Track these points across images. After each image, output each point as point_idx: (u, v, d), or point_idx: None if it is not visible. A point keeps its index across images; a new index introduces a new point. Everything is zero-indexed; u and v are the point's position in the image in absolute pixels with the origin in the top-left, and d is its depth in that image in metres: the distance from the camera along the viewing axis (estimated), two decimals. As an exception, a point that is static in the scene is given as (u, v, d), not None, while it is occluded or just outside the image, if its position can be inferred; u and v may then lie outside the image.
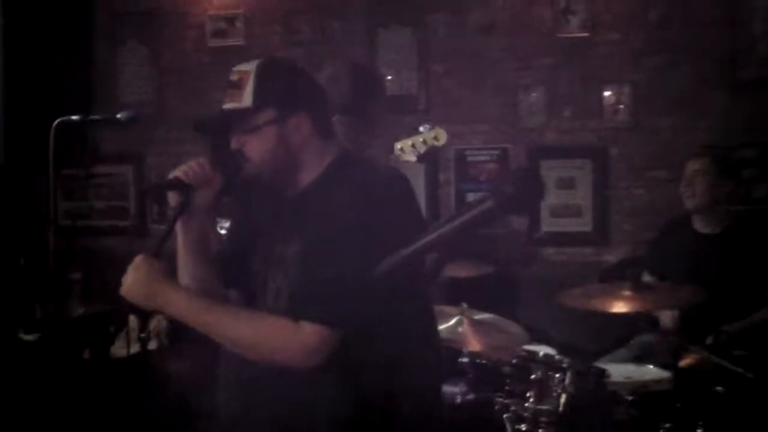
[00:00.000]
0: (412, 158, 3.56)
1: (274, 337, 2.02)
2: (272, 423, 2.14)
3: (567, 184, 5.31)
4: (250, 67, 2.12)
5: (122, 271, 2.08)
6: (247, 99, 2.09)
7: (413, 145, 3.57)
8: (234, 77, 2.13)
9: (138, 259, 2.05)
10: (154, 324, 4.94)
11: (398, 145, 3.57)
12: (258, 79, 2.09)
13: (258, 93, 2.08)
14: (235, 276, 2.25)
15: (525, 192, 1.40)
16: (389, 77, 5.53)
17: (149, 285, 2.02)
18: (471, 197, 5.52)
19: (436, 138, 3.61)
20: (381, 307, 1.76)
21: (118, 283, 2.06)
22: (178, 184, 2.12)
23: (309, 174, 2.16)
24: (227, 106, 2.13)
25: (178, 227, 2.18)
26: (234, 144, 2.14)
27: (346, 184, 2.10)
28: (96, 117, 3.70)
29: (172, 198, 2.13)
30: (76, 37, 6.03)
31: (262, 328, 2.04)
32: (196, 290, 2.17)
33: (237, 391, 2.22)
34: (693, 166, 4.22)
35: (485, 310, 4.14)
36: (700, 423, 3.33)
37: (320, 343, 1.98)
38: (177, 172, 2.12)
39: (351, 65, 3.01)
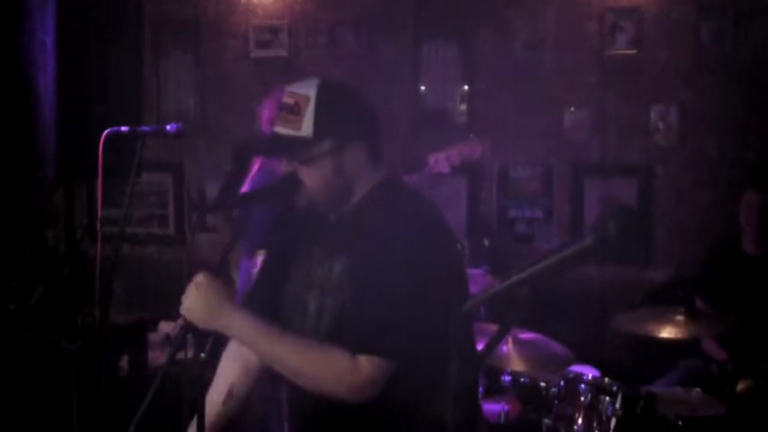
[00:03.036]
0: (446, 169, 3.53)
1: (331, 370, 1.98)
2: None
3: (612, 202, 5.25)
4: (307, 91, 2.06)
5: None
6: (306, 128, 2.03)
7: (447, 157, 3.54)
8: (290, 100, 2.06)
9: (200, 279, 2.01)
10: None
11: (432, 158, 3.55)
12: (318, 108, 2.03)
13: (318, 123, 2.03)
14: (272, 303, 2.22)
15: (626, 235, 1.31)
16: (426, 89, 5.51)
17: (211, 305, 1.99)
18: (512, 213, 5.48)
19: (471, 150, 3.58)
20: (459, 344, 1.73)
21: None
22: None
23: (355, 197, 2.13)
24: (281, 130, 2.07)
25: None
26: (286, 167, 2.10)
27: (393, 206, 2.07)
28: (145, 128, 3.69)
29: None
30: (125, 48, 6.06)
31: (319, 361, 2.00)
32: None
33: (292, 412, 2.20)
34: (754, 200, 4.15)
35: (529, 328, 4.10)
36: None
37: (377, 378, 1.95)
38: None
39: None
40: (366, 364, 1.94)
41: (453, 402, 1.67)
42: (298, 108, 2.04)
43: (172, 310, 2.09)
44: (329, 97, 2.06)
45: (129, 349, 4.92)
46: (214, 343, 2.05)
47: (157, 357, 5.20)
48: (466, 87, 5.50)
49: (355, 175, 2.10)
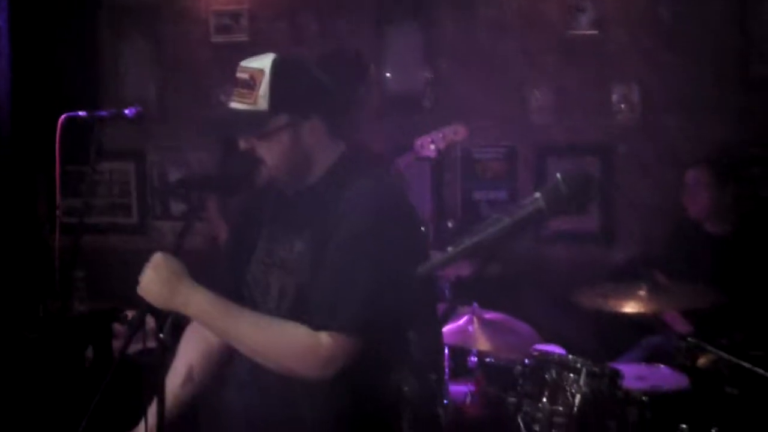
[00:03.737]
0: (432, 154, 3.56)
1: (293, 348, 1.97)
2: (282, 422, 2.10)
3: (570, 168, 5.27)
4: (262, 65, 2.02)
5: (124, 268, 2.03)
6: (261, 102, 2.00)
7: (433, 141, 3.56)
8: (244, 75, 2.03)
9: (157, 258, 1.99)
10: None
11: (417, 142, 3.57)
12: (273, 81, 2.00)
13: (274, 97, 2.00)
14: (236, 277, 2.20)
15: (577, 195, 1.36)
16: (391, 75, 5.49)
17: (169, 284, 1.97)
18: (477, 195, 5.48)
19: (455, 133, 3.61)
20: (415, 312, 1.72)
21: (120, 281, 2.00)
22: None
23: (314, 174, 2.11)
24: (237, 105, 2.04)
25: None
26: (244, 144, 2.07)
27: (353, 183, 2.05)
28: (102, 113, 3.64)
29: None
30: (81, 32, 5.98)
31: (281, 338, 1.98)
32: None
33: (241, 390, 2.18)
34: (692, 176, 4.20)
35: (494, 309, 4.11)
36: (715, 424, 3.31)
37: (339, 354, 1.94)
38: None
39: (336, 51, 2.98)
40: (328, 341, 1.93)
41: (413, 373, 1.66)
42: (252, 82, 2.01)
43: (136, 300, 2.05)
44: (285, 70, 2.03)
45: (93, 339, 4.88)
46: (175, 325, 2.02)
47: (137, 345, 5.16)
48: (427, 74, 5.47)
49: (314, 149, 2.08)
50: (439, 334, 2.22)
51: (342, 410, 2.01)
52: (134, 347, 4.70)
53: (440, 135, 3.58)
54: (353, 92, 2.92)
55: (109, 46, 6.06)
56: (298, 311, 2.02)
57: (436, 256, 1.48)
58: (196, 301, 1.97)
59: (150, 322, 2.04)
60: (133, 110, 3.57)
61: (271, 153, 2.04)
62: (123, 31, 6.03)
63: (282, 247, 2.11)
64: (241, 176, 2.10)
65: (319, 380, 1.97)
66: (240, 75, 2.04)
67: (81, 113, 3.58)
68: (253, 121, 2.02)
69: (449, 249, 1.46)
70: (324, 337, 1.93)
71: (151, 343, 5.05)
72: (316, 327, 1.94)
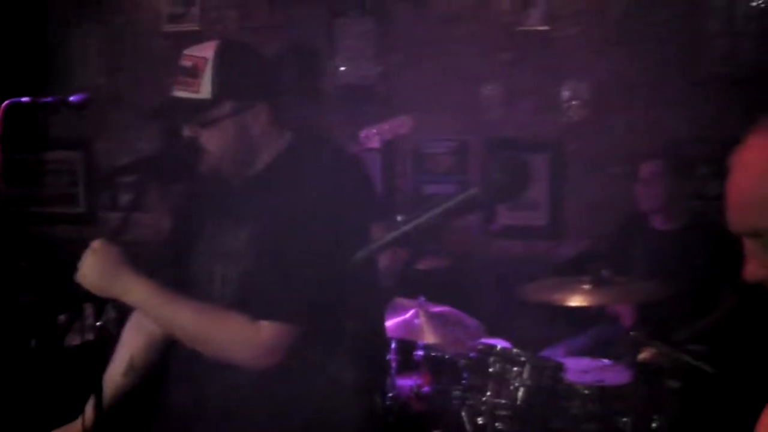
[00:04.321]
0: (377, 145, 3.56)
1: (232, 336, 1.96)
2: (219, 415, 2.09)
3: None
4: (205, 52, 2.00)
5: (72, 259, 2.00)
6: (204, 90, 1.98)
7: (378, 132, 3.56)
8: (187, 63, 2.01)
9: (96, 244, 1.97)
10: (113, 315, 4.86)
11: (363, 134, 3.56)
12: (216, 68, 1.98)
13: (216, 84, 1.98)
14: (179, 268, 2.18)
15: (511, 181, 1.37)
16: (345, 67, 5.48)
17: (108, 271, 1.95)
18: (428, 189, 5.48)
19: (401, 124, 3.62)
20: (343, 301, 1.71)
21: (68, 272, 1.98)
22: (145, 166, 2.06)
23: (260, 162, 2.09)
24: (181, 94, 2.02)
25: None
26: (188, 132, 2.05)
27: (298, 170, 2.03)
28: (47, 99, 3.58)
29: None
30: (31, 20, 5.89)
31: (221, 327, 1.97)
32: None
33: (187, 383, 2.16)
34: (647, 168, 4.24)
35: (441, 302, 4.12)
36: (655, 417, 3.35)
37: (279, 343, 1.93)
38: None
39: (293, 46, 2.97)
40: (268, 330, 1.92)
41: (351, 361, 1.66)
42: (195, 70, 1.99)
43: (79, 289, 2.02)
44: (228, 57, 2.01)
45: (38, 330, 4.82)
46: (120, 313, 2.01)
47: (75, 338, 5.10)
48: (379, 67, 5.47)
49: (258, 138, 2.06)
50: (379, 324, 2.22)
51: (278, 401, 2.00)
52: (74, 339, 4.66)
53: (386, 127, 3.59)
54: (305, 82, 2.90)
55: (59, 35, 5.98)
56: (242, 300, 2.00)
57: (373, 243, 1.47)
58: (135, 289, 1.96)
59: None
60: (79, 97, 3.51)
61: (214, 141, 2.02)
62: (73, 19, 5.95)
63: (227, 236, 2.09)
64: (181, 160, 2.08)
65: (258, 369, 1.96)
66: (184, 63, 2.02)
67: (24, 99, 3.51)
68: (196, 109, 2.00)
69: (386, 236, 1.47)
70: (264, 326, 1.92)
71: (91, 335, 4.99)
72: (257, 316, 1.93)
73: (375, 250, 1.47)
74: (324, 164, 2.09)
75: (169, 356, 2.23)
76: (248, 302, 1.97)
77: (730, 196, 1.27)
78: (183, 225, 2.26)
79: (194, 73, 1.98)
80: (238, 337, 1.95)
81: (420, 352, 3.96)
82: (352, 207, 2.05)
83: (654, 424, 3.36)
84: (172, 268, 2.19)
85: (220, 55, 2.00)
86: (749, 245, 1.28)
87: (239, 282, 2.04)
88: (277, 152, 2.10)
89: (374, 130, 3.57)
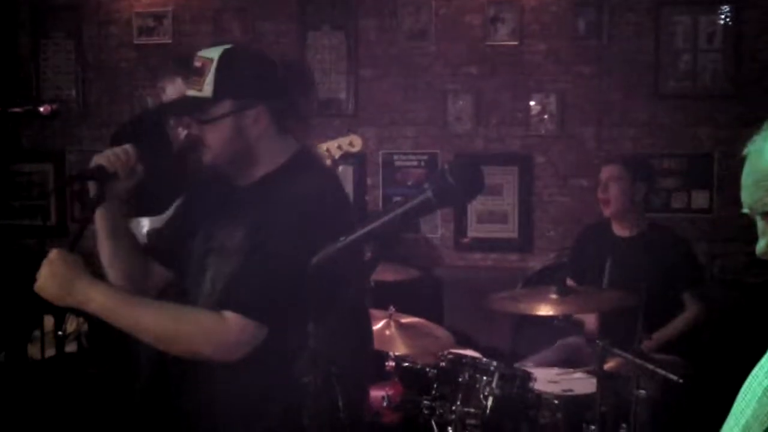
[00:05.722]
0: (327, 162, 3.57)
1: (196, 329, 2.00)
2: (192, 416, 2.11)
3: (493, 190, 5.35)
4: (213, 54, 2.10)
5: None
6: (207, 88, 2.08)
7: (328, 150, 3.58)
8: (197, 63, 2.11)
9: (53, 254, 1.97)
10: (74, 326, 4.84)
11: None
12: (219, 68, 2.07)
13: (218, 83, 2.07)
14: (172, 258, 2.24)
15: (464, 184, 1.42)
16: (317, 81, 5.52)
17: (65, 281, 1.95)
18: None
19: (351, 144, 3.63)
20: (312, 303, 1.74)
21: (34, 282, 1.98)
22: (101, 173, 2.07)
23: (264, 168, 2.16)
24: (189, 92, 2.13)
25: (97, 217, 2.14)
26: (193, 131, 2.14)
27: (297, 185, 2.09)
28: (16, 109, 3.56)
29: (92, 187, 2.09)
30: (1, 30, 5.88)
31: (184, 321, 2.01)
32: (122, 277, 2.13)
33: (157, 385, 2.19)
34: (607, 172, 4.30)
35: (412, 314, 4.15)
36: (623, 426, 3.39)
37: (241, 335, 1.97)
38: (100, 160, 2.08)
39: (280, 61, 3.00)
40: (233, 321, 1.96)
41: (310, 365, 1.68)
42: (202, 70, 2.09)
43: (54, 306, 2.04)
44: (231, 59, 2.10)
45: (7, 343, 4.80)
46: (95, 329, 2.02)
47: (37, 351, 5.07)
48: (350, 80, 5.52)
49: (258, 141, 2.13)
50: (344, 327, 2.22)
51: (240, 401, 2.03)
52: (48, 353, 4.63)
53: (336, 144, 3.61)
54: (302, 102, 2.94)
55: (30, 46, 5.97)
56: (227, 297, 2.04)
57: (330, 246, 1.51)
58: (95, 296, 1.96)
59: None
60: (49, 107, 3.50)
61: (214, 138, 2.10)
62: (45, 30, 5.95)
63: (224, 233, 2.14)
64: (149, 124, 2.15)
65: (224, 361, 1.99)
66: (195, 63, 2.12)
67: (-8, 109, 3.49)
68: (199, 105, 2.10)
69: (341, 239, 1.50)
70: (231, 318, 1.96)
71: (70, 348, 4.97)
72: (225, 307, 1.98)
73: (333, 252, 1.50)
74: (317, 182, 2.15)
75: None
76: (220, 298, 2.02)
77: (745, 178, 1.46)
78: (181, 217, 2.33)
79: (201, 72, 2.09)
80: (202, 329, 1.99)
81: (391, 363, 3.98)
82: (334, 224, 2.09)
83: (621, 432, 3.40)
84: (166, 257, 2.25)
85: (225, 57, 2.09)
86: (761, 224, 1.46)
87: (226, 280, 2.08)
88: (284, 160, 2.17)
89: (324, 147, 3.60)
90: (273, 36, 5.60)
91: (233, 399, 2.05)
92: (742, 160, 1.47)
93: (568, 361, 4.00)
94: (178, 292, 2.25)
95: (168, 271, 2.27)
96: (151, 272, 2.26)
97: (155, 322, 2.00)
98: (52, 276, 1.95)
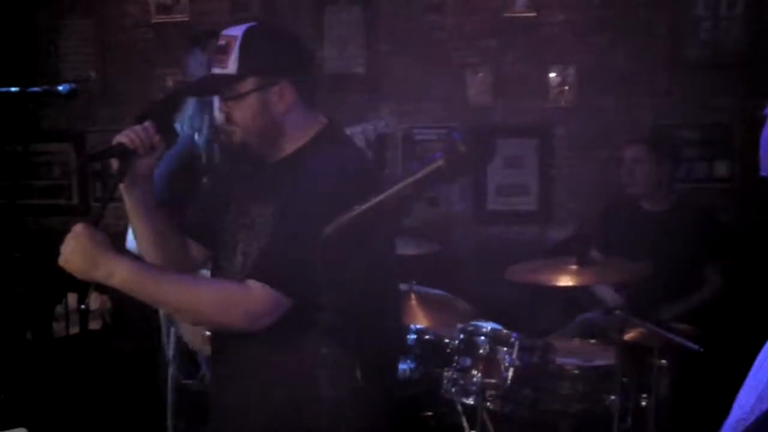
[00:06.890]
0: (362, 144, 3.60)
1: (220, 299, 2.03)
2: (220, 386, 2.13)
3: (514, 163, 5.34)
4: (237, 32, 2.13)
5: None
6: (231, 66, 2.10)
7: (363, 131, 3.60)
8: (222, 42, 2.14)
9: (77, 228, 1.99)
10: (98, 303, 4.89)
11: (348, 131, 3.59)
12: (243, 45, 2.10)
13: (242, 60, 2.10)
14: (206, 235, 2.27)
15: (474, 152, 1.42)
16: (331, 54, 5.51)
17: (90, 254, 1.96)
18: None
19: (386, 125, 3.65)
20: (325, 274, 1.75)
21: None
22: (122, 151, 2.09)
23: (293, 143, 2.18)
24: (215, 70, 2.15)
25: (126, 198, 2.16)
26: (221, 108, 2.16)
27: (324, 159, 2.11)
28: (35, 89, 3.58)
29: (114, 164, 2.11)
30: (18, 9, 5.90)
31: (208, 292, 2.04)
32: (161, 256, 2.17)
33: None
34: (631, 152, 4.29)
35: (432, 287, 4.16)
36: (644, 396, 3.39)
37: (266, 305, 1.98)
38: (121, 138, 2.10)
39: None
40: (258, 291, 1.98)
41: (327, 335, 1.69)
42: (227, 48, 2.11)
43: (77, 282, 2.06)
44: (255, 36, 2.13)
45: (33, 321, 4.85)
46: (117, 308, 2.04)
47: (62, 329, 5.13)
48: (367, 55, 5.50)
49: (285, 115, 2.15)
50: (357, 296, 2.21)
51: (256, 372, 2.06)
52: (72, 330, 4.68)
53: (371, 127, 3.63)
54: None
55: (49, 27, 5.99)
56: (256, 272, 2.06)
57: (344, 216, 1.51)
58: (119, 270, 1.98)
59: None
60: (68, 86, 3.52)
61: (242, 115, 2.12)
62: (62, 10, 5.96)
63: (255, 209, 2.17)
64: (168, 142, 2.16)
65: (248, 331, 2.02)
66: (220, 42, 2.15)
67: (12, 89, 3.52)
68: (225, 83, 2.12)
69: (355, 208, 1.51)
70: (253, 286, 1.99)
71: (95, 325, 5.03)
72: (251, 277, 2.00)
73: (346, 222, 1.51)
74: (344, 157, 2.16)
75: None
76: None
77: (763, 145, 1.46)
78: (214, 192, 2.38)
79: (225, 50, 2.11)
80: (227, 300, 2.02)
81: (412, 336, 4.00)
82: (360, 199, 2.10)
83: (643, 403, 3.40)
84: (198, 230, 2.30)
85: (248, 34, 2.12)
86: None
87: (257, 253, 2.10)
88: (313, 135, 2.19)
89: (359, 128, 3.61)
90: (290, 11, 5.58)
91: (252, 370, 2.07)
92: (761, 125, 1.47)
93: (588, 335, 4.01)
94: (213, 268, 2.28)
95: (204, 248, 2.30)
96: (189, 249, 2.30)
97: (178, 294, 2.03)
98: (77, 250, 1.97)
